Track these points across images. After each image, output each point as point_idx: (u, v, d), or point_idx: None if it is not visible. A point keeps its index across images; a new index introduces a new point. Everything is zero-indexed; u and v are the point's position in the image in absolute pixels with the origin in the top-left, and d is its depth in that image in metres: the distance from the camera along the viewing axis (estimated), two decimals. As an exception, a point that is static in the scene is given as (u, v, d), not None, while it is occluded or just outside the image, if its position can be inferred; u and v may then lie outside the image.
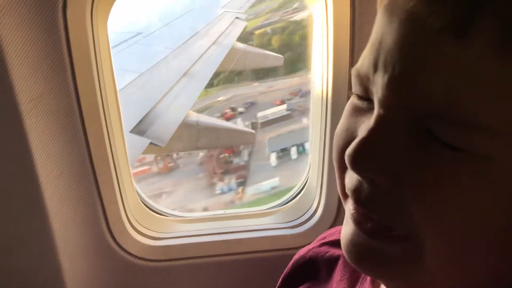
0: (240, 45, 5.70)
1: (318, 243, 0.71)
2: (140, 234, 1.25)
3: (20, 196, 1.06)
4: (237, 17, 6.04)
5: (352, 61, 1.03)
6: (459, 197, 0.36)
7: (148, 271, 1.25)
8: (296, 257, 0.73)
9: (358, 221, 0.43)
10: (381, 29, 0.39)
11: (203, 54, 5.02)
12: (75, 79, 1.02)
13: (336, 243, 0.69)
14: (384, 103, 0.39)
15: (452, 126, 0.35)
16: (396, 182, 0.39)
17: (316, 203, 1.24)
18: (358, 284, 0.60)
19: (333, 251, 0.68)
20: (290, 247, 1.21)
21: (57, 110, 1.04)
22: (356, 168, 0.40)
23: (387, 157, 0.38)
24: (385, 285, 0.50)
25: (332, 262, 0.66)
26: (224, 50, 5.28)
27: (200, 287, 1.28)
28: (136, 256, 1.23)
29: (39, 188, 1.05)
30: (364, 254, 0.43)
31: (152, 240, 1.26)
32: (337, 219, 1.19)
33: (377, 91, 0.39)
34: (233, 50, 5.40)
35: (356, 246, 0.44)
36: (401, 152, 0.38)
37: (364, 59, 0.41)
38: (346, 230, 0.45)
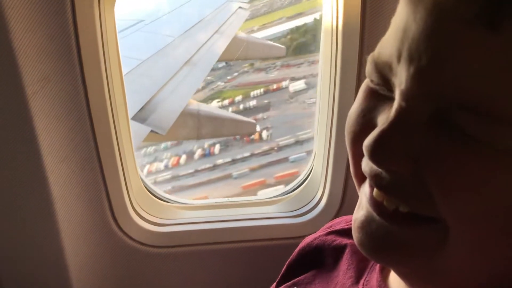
0: (243, 35, 5.68)
1: (325, 232, 0.71)
2: (143, 220, 1.25)
3: (24, 179, 1.06)
4: (240, 7, 6.01)
5: (362, 49, 1.02)
6: (482, 185, 0.36)
7: (150, 257, 1.25)
8: (302, 244, 0.72)
9: (377, 204, 0.42)
10: (405, 17, 0.38)
11: (205, 42, 5.00)
12: (81, 62, 1.01)
13: (343, 232, 0.69)
14: (407, 95, 0.38)
15: (479, 119, 0.35)
16: (417, 171, 0.38)
17: (321, 192, 1.24)
18: (366, 273, 0.60)
19: (340, 240, 0.67)
20: (294, 236, 1.21)
21: (63, 93, 1.03)
22: (375, 160, 0.39)
23: (407, 149, 0.38)
24: (397, 272, 0.49)
25: (339, 250, 0.66)
26: (226, 40, 5.26)
27: (202, 274, 1.28)
28: (139, 242, 1.23)
29: (43, 171, 1.05)
30: (380, 239, 0.43)
31: (155, 226, 1.25)
32: (342, 209, 1.19)
33: (401, 82, 0.38)
34: (235, 39, 5.38)
35: (371, 230, 0.43)
36: (422, 142, 0.38)
37: (385, 47, 0.40)
38: (360, 214, 0.45)
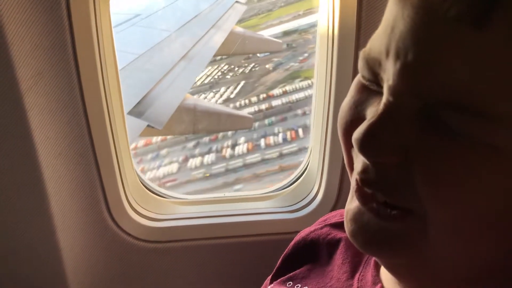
0: (240, 29, 5.67)
1: (320, 225, 0.71)
2: (139, 215, 1.25)
3: (19, 175, 1.05)
4: (237, 1, 5.99)
5: (359, 43, 1.02)
6: (467, 180, 0.36)
7: (146, 252, 1.25)
8: (297, 238, 0.72)
9: (363, 199, 0.43)
10: (393, 14, 0.38)
11: (202, 37, 4.98)
12: (76, 57, 1.01)
13: (338, 225, 0.69)
14: (394, 91, 0.38)
15: (465, 116, 0.35)
16: (404, 164, 0.39)
17: (317, 187, 1.24)
18: (361, 267, 0.60)
19: (335, 234, 0.68)
20: (290, 231, 1.21)
21: (58, 89, 1.02)
22: (364, 152, 0.40)
23: (395, 142, 0.38)
24: (386, 266, 0.50)
25: (333, 244, 0.66)
26: (223, 34, 5.25)
27: (198, 269, 1.29)
28: (134, 237, 1.23)
29: (38, 167, 1.04)
30: (371, 232, 0.43)
31: (151, 221, 1.25)
32: (338, 203, 1.19)
33: (388, 78, 0.39)
34: (232, 34, 5.37)
35: (363, 223, 0.44)
36: (410, 136, 0.38)
37: (374, 43, 0.41)
38: (353, 206, 0.45)
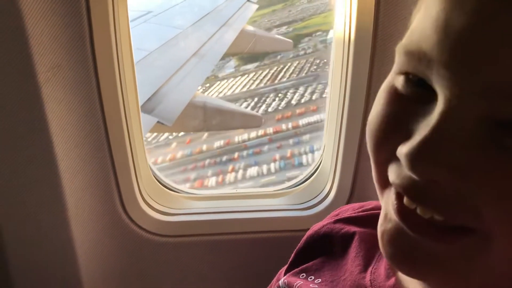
0: (250, 28, 5.67)
1: (332, 219, 0.71)
2: (152, 209, 1.26)
3: (35, 165, 1.06)
4: (248, 0, 5.99)
5: (375, 43, 1.01)
6: None
7: (158, 246, 1.25)
8: (309, 232, 0.72)
9: (407, 214, 0.39)
10: (446, 7, 0.35)
11: (213, 35, 4.99)
12: (93, 50, 1.01)
13: (350, 220, 0.68)
14: (453, 92, 0.34)
15: None
16: (462, 181, 0.35)
17: (329, 185, 1.24)
18: (374, 262, 0.60)
19: (348, 228, 0.67)
20: (302, 229, 1.21)
21: (75, 81, 1.03)
22: (417, 171, 0.36)
23: (453, 158, 0.34)
24: (427, 283, 0.48)
25: (348, 238, 0.66)
26: (234, 33, 5.25)
27: (209, 263, 1.29)
28: (147, 231, 1.24)
29: (54, 158, 1.05)
30: (412, 253, 0.40)
31: (164, 216, 1.26)
32: (350, 202, 1.19)
33: (446, 78, 0.35)
34: (243, 32, 5.37)
35: (402, 244, 0.41)
36: (470, 150, 0.34)
37: (420, 36, 0.37)
38: (389, 227, 0.42)
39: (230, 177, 6.21)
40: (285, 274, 0.71)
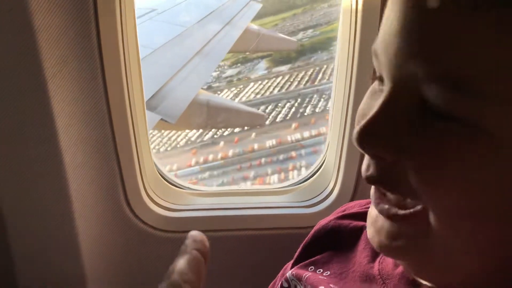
0: (254, 27, 5.67)
1: (339, 215, 0.71)
2: (156, 205, 1.26)
3: (40, 160, 1.07)
4: (252, -1, 5.99)
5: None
6: (463, 171, 0.37)
7: (162, 242, 1.26)
8: (317, 227, 0.73)
9: (376, 202, 0.45)
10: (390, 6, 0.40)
11: (217, 33, 4.99)
12: (100, 46, 1.02)
13: (357, 216, 0.69)
14: (392, 80, 0.40)
15: (453, 93, 0.36)
16: (401, 157, 0.40)
17: (333, 182, 1.24)
18: (381, 254, 0.61)
19: (356, 223, 0.68)
20: (305, 226, 1.21)
21: (81, 77, 1.04)
22: (361, 145, 0.42)
23: (392, 134, 0.40)
24: (405, 264, 0.52)
25: (357, 232, 0.67)
26: (238, 31, 5.25)
27: (212, 259, 1.28)
28: (151, 226, 1.24)
29: (59, 153, 1.06)
30: (383, 235, 0.46)
31: (168, 212, 1.27)
32: (354, 199, 1.19)
33: (385, 68, 0.41)
34: (247, 31, 5.37)
35: (378, 227, 0.46)
36: (406, 128, 0.40)
37: (378, 38, 0.43)
38: (372, 211, 0.48)
39: (293, 174, 6.23)
40: (291, 268, 0.72)
